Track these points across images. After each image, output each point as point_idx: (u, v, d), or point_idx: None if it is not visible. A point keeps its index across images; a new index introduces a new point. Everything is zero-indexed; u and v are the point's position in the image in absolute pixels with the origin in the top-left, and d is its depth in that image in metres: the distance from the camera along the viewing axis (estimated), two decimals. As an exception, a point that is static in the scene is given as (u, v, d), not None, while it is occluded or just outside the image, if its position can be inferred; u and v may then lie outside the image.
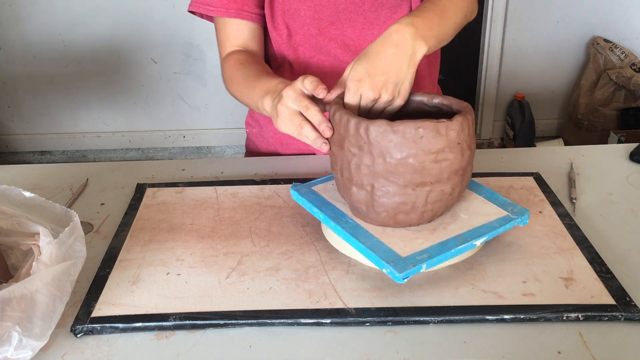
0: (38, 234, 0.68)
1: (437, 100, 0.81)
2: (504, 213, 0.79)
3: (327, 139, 0.77)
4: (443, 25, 0.87)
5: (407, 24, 0.80)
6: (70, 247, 0.65)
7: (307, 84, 0.78)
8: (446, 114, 0.79)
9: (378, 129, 0.70)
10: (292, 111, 0.78)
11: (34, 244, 0.71)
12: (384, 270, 0.70)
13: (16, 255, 0.74)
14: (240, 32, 1.07)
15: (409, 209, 0.74)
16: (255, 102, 0.92)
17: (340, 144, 0.75)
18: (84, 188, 1.00)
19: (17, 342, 0.58)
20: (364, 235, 0.75)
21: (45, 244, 0.65)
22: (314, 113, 0.77)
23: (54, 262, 0.62)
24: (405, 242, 0.74)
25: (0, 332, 0.57)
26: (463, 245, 0.72)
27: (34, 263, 0.61)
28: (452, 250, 0.72)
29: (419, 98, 0.82)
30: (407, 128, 0.70)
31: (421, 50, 0.80)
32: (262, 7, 1.06)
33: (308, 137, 0.78)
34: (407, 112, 0.82)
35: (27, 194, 0.73)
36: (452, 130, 0.71)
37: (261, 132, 1.21)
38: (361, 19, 1.06)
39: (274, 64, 1.14)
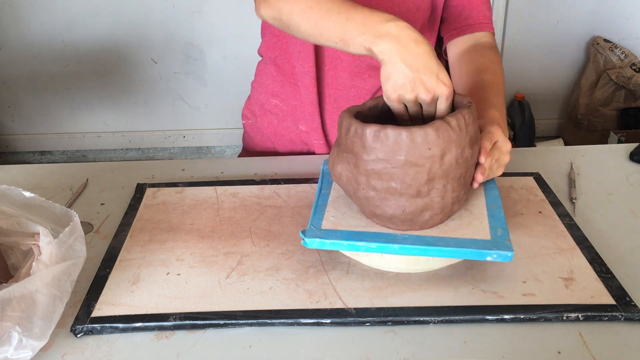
0: (38, 234, 0.68)
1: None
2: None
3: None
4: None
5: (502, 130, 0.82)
6: (70, 247, 0.65)
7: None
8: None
9: (439, 130, 0.69)
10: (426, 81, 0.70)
11: (34, 244, 0.71)
12: (489, 258, 0.69)
13: (16, 255, 0.74)
14: None
15: (461, 196, 0.75)
16: (350, 38, 0.73)
17: (397, 165, 0.70)
18: (84, 188, 1.00)
19: (17, 342, 0.58)
20: (436, 240, 0.72)
21: (45, 244, 0.65)
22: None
23: (54, 262, 0.62)
24: (466, 229, 0.74)
25: (0, 332, 0.57)
26: (501, 209, 0.78)
27: (34, 263, 0.61)
28: (502, 216, 0.76)
29: None
30: (460, 122, 0.70)
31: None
32: None
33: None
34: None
35: (27, 194, 0.73)
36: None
37: (256, 123, 1.20)
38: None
39: None
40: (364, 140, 0.70)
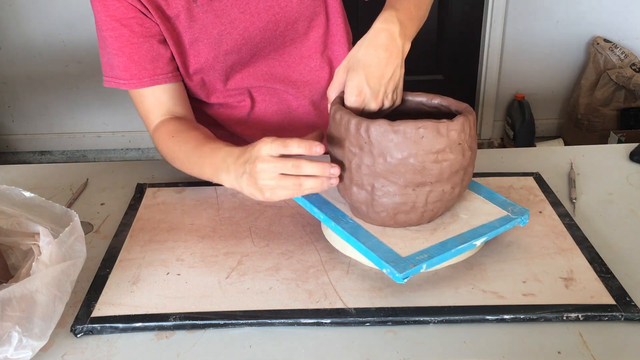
0: (38, 234, 0.68)
1: (437, 100, 0.81)
2: (504, 213, 0.79)
3: (324, 146, 0.74)
4: (419, 13, 0.85)
5: (394, 22, 0.78)
6: (70, 247, 0.65)
7: (277, 147, 0.72)
8: (445, 114, 0.79)
9: (379, 129, 0.70)
10: (277, 181, 0.72)
11: (34, 244, 0.71)
12: (384, 270, 0.70)
13: (16, 255, 0.74)
14: (160, 100, 0.96)
15: (409, 209, 0.74)
16: (210, 178, 0.84)
17: (341, 144, 0.75)
18: (84, 188, 1.00)
19: (17, 342, 0.58)
20: (364, 235, 0.75)
21: (45, 244, 0.65)
22: (308, 167, 0.71)
23: (54, 262, 0.62)
24: (405, 242, 0.74)
25: (0, 332, 0.57)
26: (463, 245, 0.72)
27: (33, 263, 0.61)
28: (452, 250, 0.72)
29: (419, 99, 0.82)
30: (408, 128, 0.70)
31: (407, 48, 0.80)
32: (173, 59, 0.96)
33: (314, 188, 0.72)
34: (406, 112, 0.83)
35: (27, 194, 0.73)
36: (453, 131, 0.71)
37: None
38: (280, 40, 1.02)
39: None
40: (333, 122, 0.77)
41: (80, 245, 0.66)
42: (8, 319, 0.57)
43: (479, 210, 0.80)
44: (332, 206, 0.81)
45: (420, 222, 0.77)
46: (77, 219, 0.67)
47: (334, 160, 0.78)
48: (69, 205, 0.94)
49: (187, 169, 0.90)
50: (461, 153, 0.72)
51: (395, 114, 0.82)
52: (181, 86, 0.99)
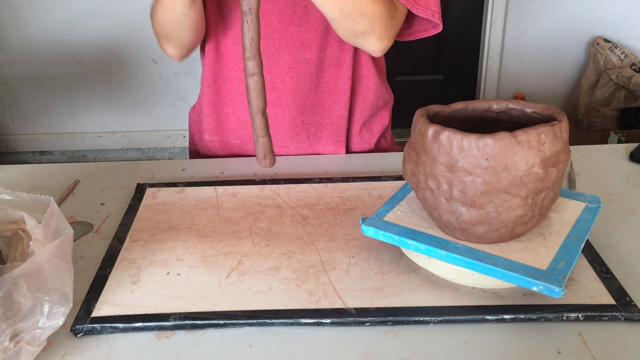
0: (21, 220, 0.69)
1: (508, 105, 0.76)
2: (581, 204, 0.78)
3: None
4: None
5: None
6: (56, 226, 0.66)
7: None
8: (513, 117, 0.76)
9: (502, 142, 0.65)
10: None
11: (19, 228, 0.72)
12: (534, 288, 0.65)
13: (-1, 242, 0.74)
14: None
15: (528, 220, 0.70)
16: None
17: (451, 167, 0.67)
18: (73, 187, 1.00)
19: (48, 310, 0.60)
20: (485, 257, 0.69)
21: (33, 227, 0.66)
22: None
23: (49, 239, 0.63)
24: (528, 253, 0.69)
25: (33, 302, 0.59)
26: (582, 244, 0.71)
27: (31, 242, 0.62)
28: (578, 251, 0.70)
29: (485, 106, 0.78)
30: (530, 136, 0.65)
31: None
32: None
33: None
34: (469, 122, 0.78)
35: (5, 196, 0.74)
36: (564, 132, 0.69)
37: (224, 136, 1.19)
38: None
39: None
40: (425, 140, 0.69)
41: (64, 223, 0.67)
42: (36, 290, 0.59)
43: (559, 207, 0.79)
44: (425, 234, 0.74)
45: (530, 230, 0.72)
46: (53, 203, 0.68)
47: (428, 182, 0.71)
48: (59, 204, 0.94)
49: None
50: (568, 153, 0.70)
51: (461, 125, 0.76)
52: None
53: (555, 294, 0.64)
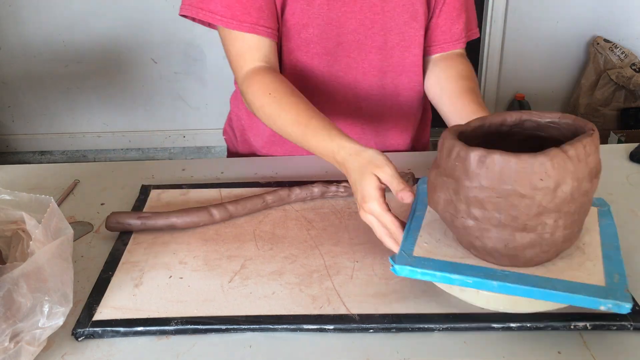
0: (21, 220, 0.69)
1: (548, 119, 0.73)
2: (593, 208, 0.75)
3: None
4: None
5: None
6: (56, 226, 0.66)
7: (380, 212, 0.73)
8: (538, 130, 0.73)
9: (556, 158, 0.61)
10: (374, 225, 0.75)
11: (19, 228, 0.72)
12: (602, 308, 0.61)
13: (-1, 242, 0.74)
14: (258, 45, 0.93)
15: (573, 236, 0.67)
16: (314, 151, 0.85)
17: (500, 191, 0.63)
18: (73, 187, 0.99)
19: (47, 310, 0.60)
20: (541, 282, 0.65)
21: (33, 227, 0.66)
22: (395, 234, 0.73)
23: (49, 239, 0.63)
24: (578, 272, 0.66)
25: (33, 303, 0.58)
26: (620, 251, 0.70)
27: (31, 242, 0.61)
28: (621, 259, 0.68)
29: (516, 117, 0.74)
30: (579, 150, 0.62)
31: None
32: (278, 22, 0.95)
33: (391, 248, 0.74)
34: (497, 136, 0.74)
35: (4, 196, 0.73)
36: (600, 144, 0.67)
37: (245, 136, 1.18)
38: (369, 42, 1.02)
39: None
40: (467, 165, 0.63)
41: (64, 223, 0.67)
42: (36, 290, 0.59)
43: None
44: (465, 265, 0.69)
45: (545, 261, 0.68)
46: (53, 203, 0.68)
47: (441, 192, 0.69)
48: (59, 204, 0.94)
49: (282, 133, 0.90)
50: (579, 181, 0.65)
51: (478, 142, 0.71)
52: (277, 46, 0.97)
53: (625, 310, 0.60)
